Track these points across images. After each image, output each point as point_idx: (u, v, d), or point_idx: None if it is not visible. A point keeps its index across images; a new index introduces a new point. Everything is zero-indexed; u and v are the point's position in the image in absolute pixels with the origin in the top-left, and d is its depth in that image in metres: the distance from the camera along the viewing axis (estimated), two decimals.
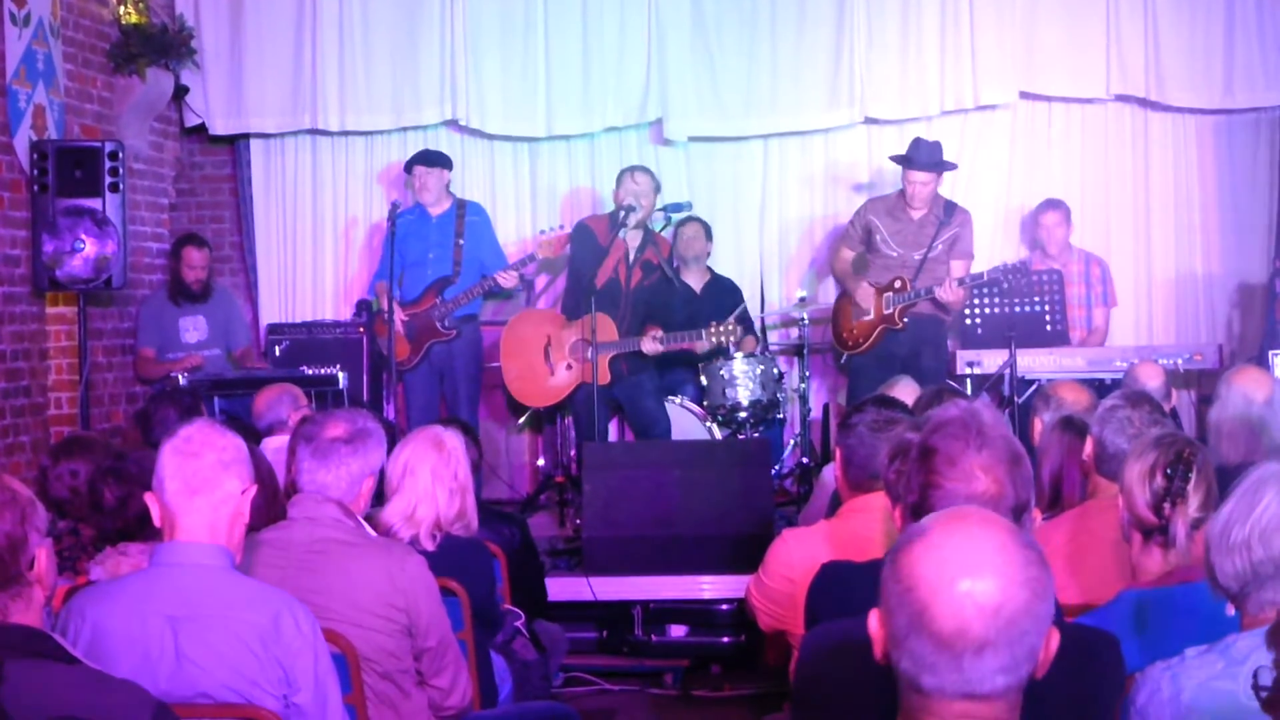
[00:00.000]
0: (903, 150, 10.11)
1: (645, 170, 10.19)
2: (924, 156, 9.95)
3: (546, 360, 9.98)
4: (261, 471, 5.01)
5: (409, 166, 10.53)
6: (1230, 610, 3.26)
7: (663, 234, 10.48)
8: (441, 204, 10.42)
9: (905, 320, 9.90)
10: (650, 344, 9.83)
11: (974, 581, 2.37)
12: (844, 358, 10.26)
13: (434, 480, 5.41)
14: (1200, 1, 10.73)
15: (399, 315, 10.01)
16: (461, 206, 10.47)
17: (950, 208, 10.10)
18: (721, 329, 9.73)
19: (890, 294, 9.91)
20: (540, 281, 11.30)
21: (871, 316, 9.99)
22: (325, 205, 11.70)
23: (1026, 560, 2.42)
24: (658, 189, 10.15)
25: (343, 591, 4.52)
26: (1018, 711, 2.43)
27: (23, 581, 3.22)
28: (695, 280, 10.76)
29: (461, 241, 10.32)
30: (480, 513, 5.97)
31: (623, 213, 9.82)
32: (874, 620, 2.49)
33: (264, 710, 3.77)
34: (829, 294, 10.87)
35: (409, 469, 5.41)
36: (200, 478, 3.87)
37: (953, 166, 10.17)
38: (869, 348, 10.01)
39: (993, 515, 2.55)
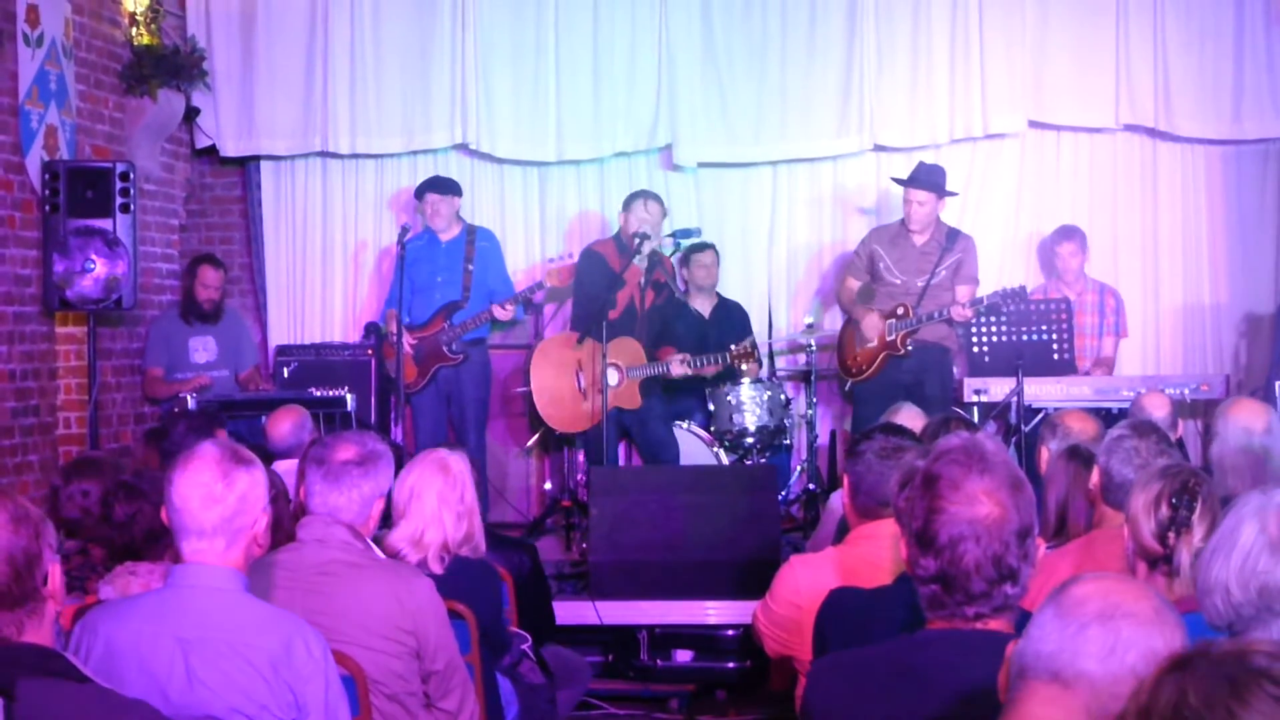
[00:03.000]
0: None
1: (657, 197, 10.26)
2: (923, 177, 9.99)
3: (579, 386, 9.99)
4: (274, 492, 5.03)
5: (420, 193, 10.56)
6: None
7: (670, 258, 10.55)
8: (451, 230, 10.47)
9: (909, 347, 9.92)
10: (679, 367, 9.92)
11: (1124, 596, 2.59)
12: (848, 385, 10.28)
13: (440, 504, 5.42)
14: (1209, 32, 10.75)
15: (407, 339, 10.04)
16: (471, 232, 10.51)
17: (953, 234, 10.13)
18: (740, 350, 9.80)
19: (893, 320, 9.94)
20: (549, 308, 11.30)
21: (874, 344, 10.01)
22: (335, 228, 11.73)
23: (1171, 627, 2.57)
24: (664, 214, 10.24)
25: (351, 614, 4.53)
26: None
27: (38, 597, 3.25)
28: (704, 305, 10.81)
29: (471, 267, 10.36)
30: (490, 539, 5.98)
31: (638, 239, 9.86)
32: (1011, 647, 2.67)
33: None
34: (836, 320, 10.87)
35: (415, 493, 5.41)
36: (218, 500, 3.88)
37: (953, 194, 10.21)
38: (872, 375, 10.03)
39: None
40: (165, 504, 3.93)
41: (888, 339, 9.96)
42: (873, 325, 10.02)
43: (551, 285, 10.44)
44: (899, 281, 10.04)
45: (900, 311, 9.94)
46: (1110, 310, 10.63)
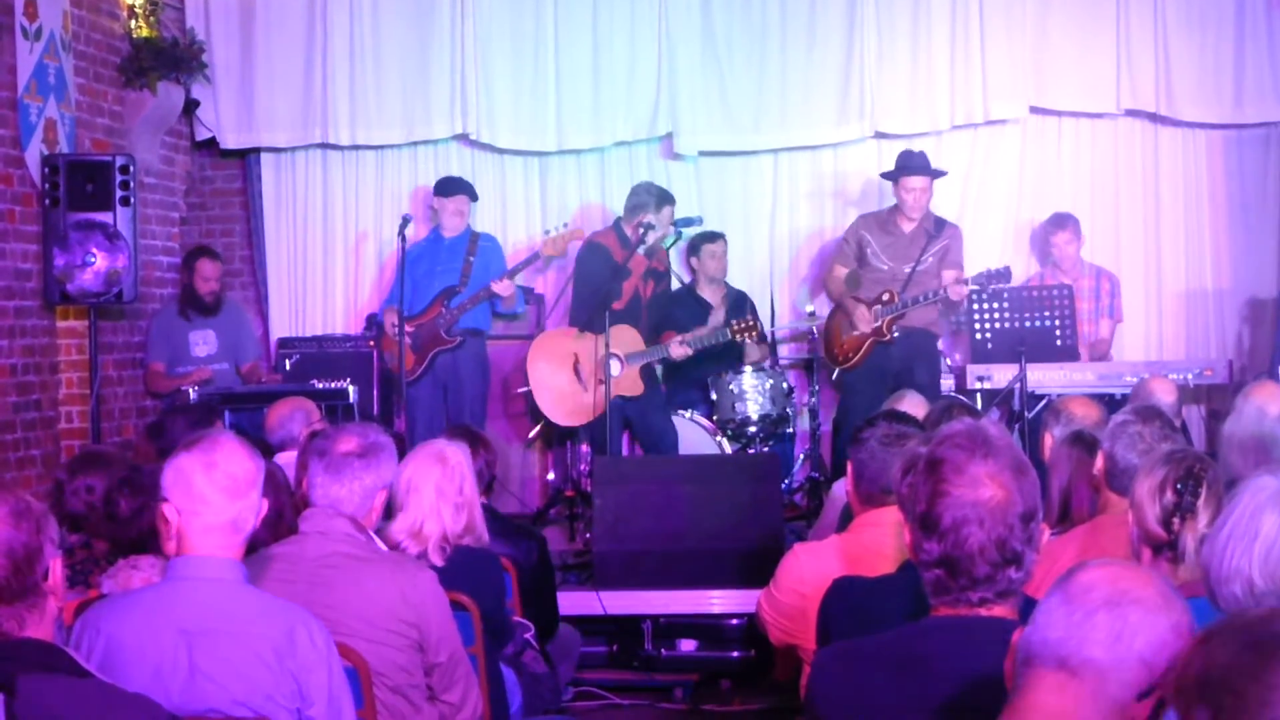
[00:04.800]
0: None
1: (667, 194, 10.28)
2: (917, 162, 10.01)
3: (578, 378, 9.98)
4: (277, 484, 5.02)
5: (449, 191, 10.53)
6: None
7: (666, 250, 10.58)
8: (457, 230, 10.47)
9: (895, 333, 9.91)
10: (678, 349, 9.95)
11: (1127, 579, 2.56)
12: (835, 373, 10.26)
13: (438, 497, 5.40)
14: (1210, 17, 10.74)
15: (406, 327, 10.03)
16: (474, 233, 10.52)
17: (940, 222, 10.15)
18: (742, 325, 9.81)
19: (879, 306, 9.93)
20: (552, 294, 11.28)
21: (862, 330, 9.99)
22: (335, 219, 11.72)
23: (1178, 611, 2.55)
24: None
25: (354, 606, 4.52)
26: None
27: (39, 592, 3.24)
28: (713, 295, 10.80)
29: (472, 259, 10.35)
30: (499, 525, 5.98)
31: (643, 229, 9.89)
32: (1018, 634, 2.63)
33: None
34: None
35: (413, 486, 5.40)
36: (220, 492, 3.88)
37: (943, 173, 10.23)
38: (859, 362, 10.02)
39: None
40: (174, 493, 3.91)
41: (873, 325, 9.95)
42: (863, 317, 10.01)
43: (548, 255, 10.45)
44: (886, 268, 10.04)
45: (885, 298, 9.94)
46: (1105, 294, 10.62)
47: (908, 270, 9.97)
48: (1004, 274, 9.84)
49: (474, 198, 10.68)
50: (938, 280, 10.01)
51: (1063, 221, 10.61)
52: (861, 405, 9.74)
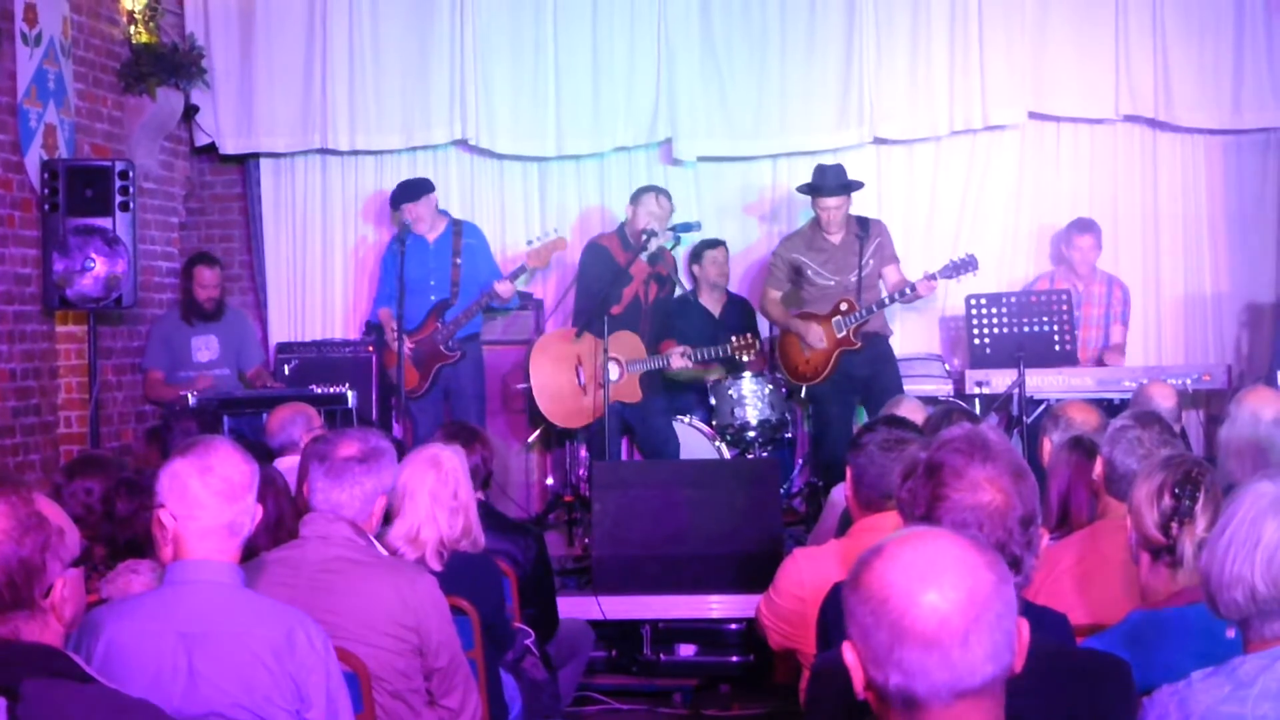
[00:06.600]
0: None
1: (667, 193, 10.28)
2: (831, 181, 10.00)
3: (578, 381, 9.98)
4: (277, 489, 5.02)
5: (395, 205, 10.51)
6: (1231, 633, 3.26)
7: (671, 252, 10.58)
8: (436, 228, 10.44)
9: (860, 339, 9.93)
10: (679, 360, 9.97)
11: (943, 576, 2.39)
12: (803, 390, 10.23)
13: (433, 502, 5.42)
14: (1209, 22, 10.75)
15: (405, 342, 10.02)
16: (457, 225, 10.48)
17: (864, 222, 10.17)
18: (742, 342, 9.81)
19: (839, 317, 9.93)
20: (551, 298, 11.29)
21: (825, 344, 9.98)
22: (335, 224, 11.71)
23: (980, 548, 2.45)
24: (673, 210, 10.26)
25: (354, 610, 4.53)
26: (1003, 709, 2.45)
27: (35, 607, 3.17)
28: (714, 303, 10.81)
29: (459, 261, 10.33)
30: (496, 523, 5.98)
31: (645, 236, 9.89)
32: (848, 652, 2.47)
33: None
34: None
35: (408, 491, 5.41)
36: (216, 495, 3.89)
37: (859, 185, 10.21)
38: (829, 374, 10.00)
39: (937, 529, 2.59)
40: (171, 498, 3.91)
41: (838, 336, 9.95)
42: (817, 335, 9.99)
43: (532, 266, 10.45)
44: (832, 282, 10.04)
45: (844, 308, 9.94)
46: (1118, 302, 10.63)
47: (854, 279, 9.98)
48: (970, 263, 9.88)
49: (429, 189, 10.57)
50: (881, 279, 10.07)
51: (1087, 226, 10.60)
52: (837, 414, 9.84)
